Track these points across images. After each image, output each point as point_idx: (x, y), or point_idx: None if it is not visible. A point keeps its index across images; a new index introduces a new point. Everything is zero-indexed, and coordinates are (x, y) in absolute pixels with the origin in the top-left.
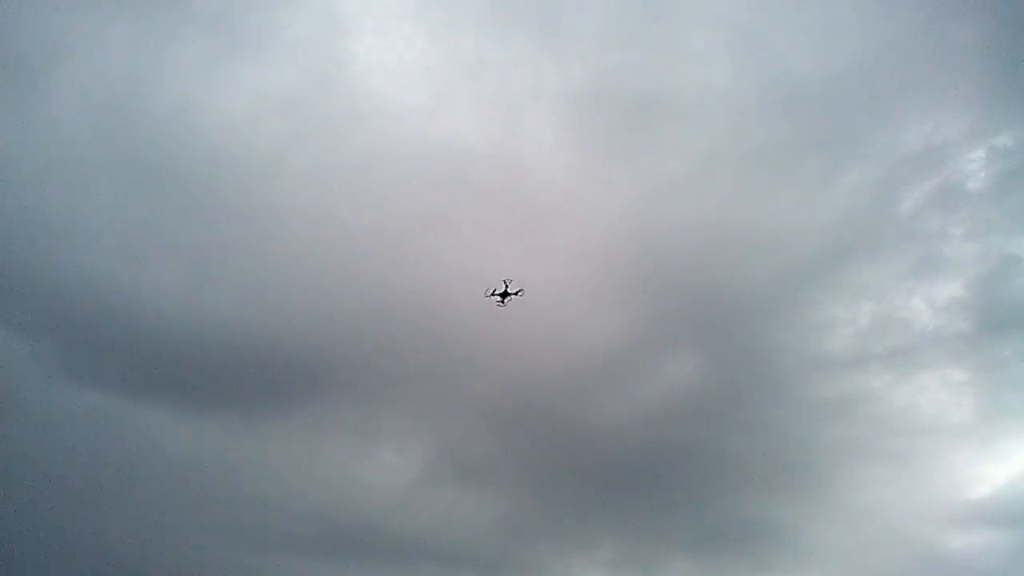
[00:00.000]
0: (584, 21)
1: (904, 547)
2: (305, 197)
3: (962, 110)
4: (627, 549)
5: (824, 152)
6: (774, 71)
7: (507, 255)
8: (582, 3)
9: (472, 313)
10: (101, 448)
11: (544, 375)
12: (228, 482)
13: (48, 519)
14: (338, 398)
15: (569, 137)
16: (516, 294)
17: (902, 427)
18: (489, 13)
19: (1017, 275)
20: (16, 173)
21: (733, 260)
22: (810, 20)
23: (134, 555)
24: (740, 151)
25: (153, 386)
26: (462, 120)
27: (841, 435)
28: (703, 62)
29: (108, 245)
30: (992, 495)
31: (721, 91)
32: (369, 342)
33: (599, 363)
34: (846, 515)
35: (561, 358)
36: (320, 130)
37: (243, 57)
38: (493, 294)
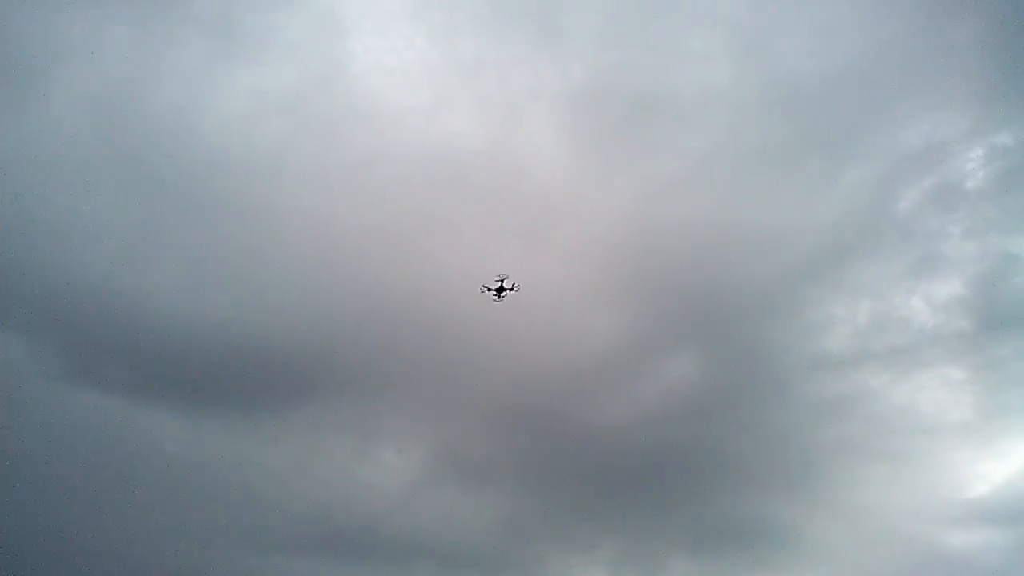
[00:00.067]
0: (583, 21)
1: (903, 546)
2: (304, 197)
3: (961, 109)
4: (627, 548)
5: (823, 151)
6: (773, 71)
7: (507, 255)
8: (581, 3)
9: (472, 313)
10: (101, 448)
11: (544, 375)
12: (228, 482)
13: (48, 519)
14: (338, 398)
15: (568, 137)
16: (512, 289)
17: (901, 426)
18: (488, 13)
19: (1016, 274)
20: (15, 173)
21: (732, 259)
22: (809, 20)
23: (134, 555)
24: (739, 150)
25: (153, 386)
26: (461, 120)
27: (840, 434)
28: (702, 62)
29: (108, 245)
30: (991, 494)
31: (720, 90)
32: (369, 342)
33: (599, 363)
34: (845, 514)
35: (561, 358)
36: (319, 130)
37: (242, 58)
38: (489, 289)
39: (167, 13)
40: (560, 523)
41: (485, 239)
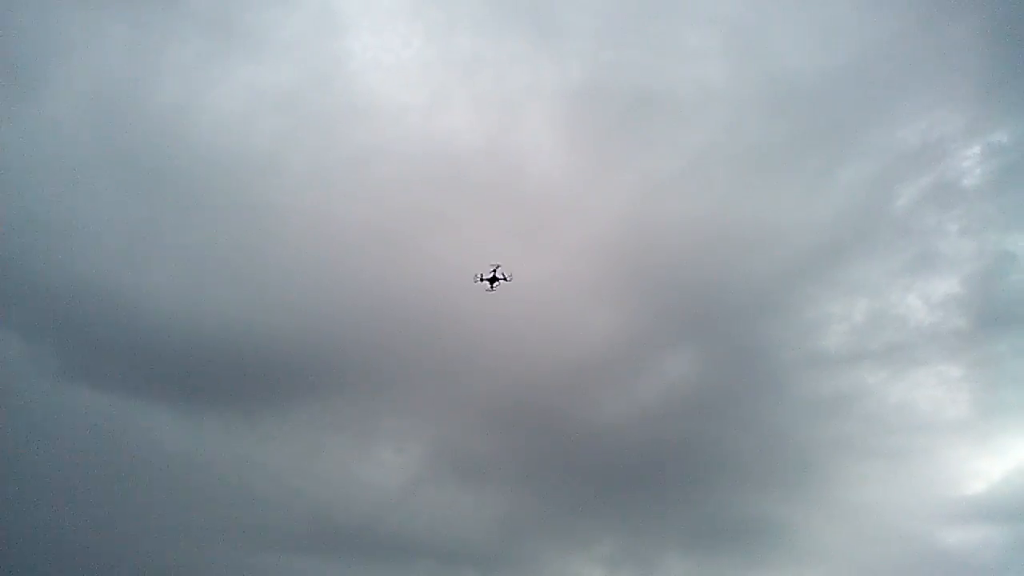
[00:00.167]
0: (580, 19)
1: (900, 543)
2: (302, 195)
3: (958, 107)
4: (625, 546)
5: (820, 149)
6: (770, 69)
7: (505, 252)
8: (579, 1)
9: (470, 311)
10: (101, 448)
11: (542, 373)
12: (227, 481)
13: (47, 517)
14: (337, 397)
15: (566, 135)
16: (505, 279)
17: (898, 423)
18: (486, 11)
19: (1012, 271)
20: (13, 171)
21: (730, 257)
22: (806, 18)
23: (133, 553)
24: (736, 148)
25: (151, 385)
26: (459, 118)
27: (837, 432)
28: (700, 60)
29: (106, 244)
30: (988, 491)
31: (718, 89)
32: (368, 340)
33: (597, 360)
34: (842, 511)
35: (559, 356)
36: (317, 128)
37: (240, 55)
38: (482, 279)
39: (164, 12)
40: (558, 521)
41: (483, 237)
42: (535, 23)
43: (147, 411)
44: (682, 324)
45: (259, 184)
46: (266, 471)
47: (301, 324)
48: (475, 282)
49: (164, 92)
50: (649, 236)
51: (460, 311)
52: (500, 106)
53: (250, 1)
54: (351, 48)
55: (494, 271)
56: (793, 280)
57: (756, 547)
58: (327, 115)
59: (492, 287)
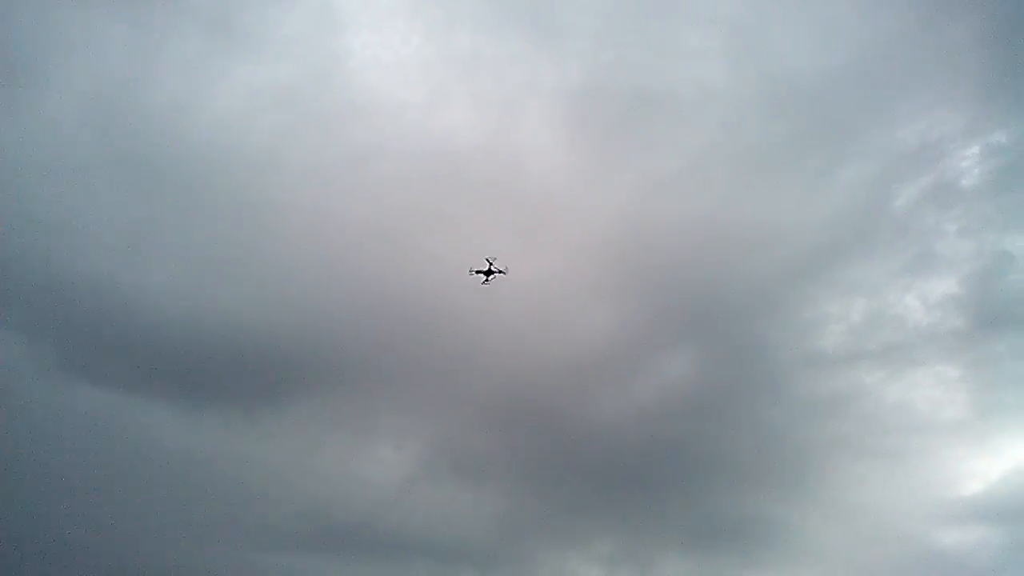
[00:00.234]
0: (580, 18)
1: (897, 543)
2: (301, 192)
3: (957, 107)
4: (623, 545)
5: (819, 149)
6: (770, 68)
7: (504, 250)
8: (578, 0)
9: (469, 309)
10: (100, 445)
11: (541, 371)
12: (226, 478)
13: (47, 515)
14: (336, 394)
15: (565, 133)
16: (500, 272)
17: (895, 424)
18: (485, 9)
19: (1011, 272)
20: (13, 170)
21: (729, 257)
22: (806, 18)
23: (133, 552)
24: (736, 148)
25: (151, 383)
26: (458, 116)
27: (835, 432)
28: (699, 59)
29: (105, 242)
30: (985, 491)
31: (717, 88)
32: (366, 338)
33: (595, 359)
34: (840, 511)
35: (558, 354)
36: (316, 125)
37: (239, 53)
38: (477, 272)
39: (163, 9)
40: (556, 519)
41: (482, 234)
42: (535, 21)
43: (146, 408)
44: (681, 323)
45: (258, 182)
46: (265, 468)
47: (300, 321)
48: (470, 275)
49: (163, 91)
50: (648, 235)
51: (459, 309)
52: (500, 104)
53: None
54: (350, 45)
55: (490, 264)
56: (792, 280)
57: (754, 546)
58: (326, 113)
59: (488, 280)
